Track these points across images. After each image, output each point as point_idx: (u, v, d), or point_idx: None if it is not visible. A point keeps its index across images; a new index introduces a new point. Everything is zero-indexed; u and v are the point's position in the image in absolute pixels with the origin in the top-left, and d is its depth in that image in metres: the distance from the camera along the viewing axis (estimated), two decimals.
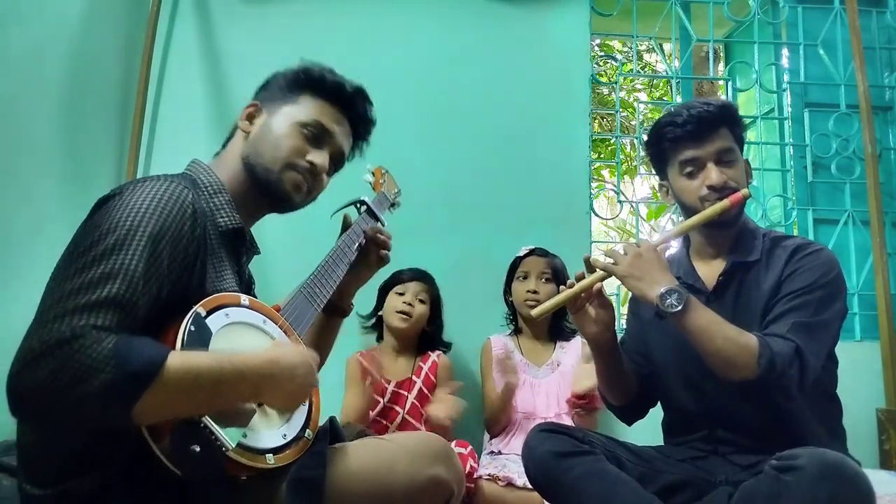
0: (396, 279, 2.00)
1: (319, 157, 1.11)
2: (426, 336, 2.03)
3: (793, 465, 1.02)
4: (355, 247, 1.28)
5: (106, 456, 0.82)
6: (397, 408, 1.90)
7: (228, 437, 0.81)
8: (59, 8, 1.92)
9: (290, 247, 1.97)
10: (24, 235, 1.71)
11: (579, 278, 1.35)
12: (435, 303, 2.02)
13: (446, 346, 2.06)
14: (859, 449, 1.31)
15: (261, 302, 0.99)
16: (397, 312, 1.95)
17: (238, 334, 0.91)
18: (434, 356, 2.01)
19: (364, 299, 1.92)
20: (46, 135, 1.86)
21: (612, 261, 1.30)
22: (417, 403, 1.91)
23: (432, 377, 1.96)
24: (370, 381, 1.81)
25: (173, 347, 0.79)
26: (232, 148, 1.13)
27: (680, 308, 1.20)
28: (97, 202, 0.90)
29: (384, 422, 1.89)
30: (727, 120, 1.37)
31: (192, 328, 0.83)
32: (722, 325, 1.21)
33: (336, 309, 1.28)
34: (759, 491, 1.07)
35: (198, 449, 0.77)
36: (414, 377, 1.95)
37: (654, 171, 1.53)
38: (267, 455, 0.87)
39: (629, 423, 1.55)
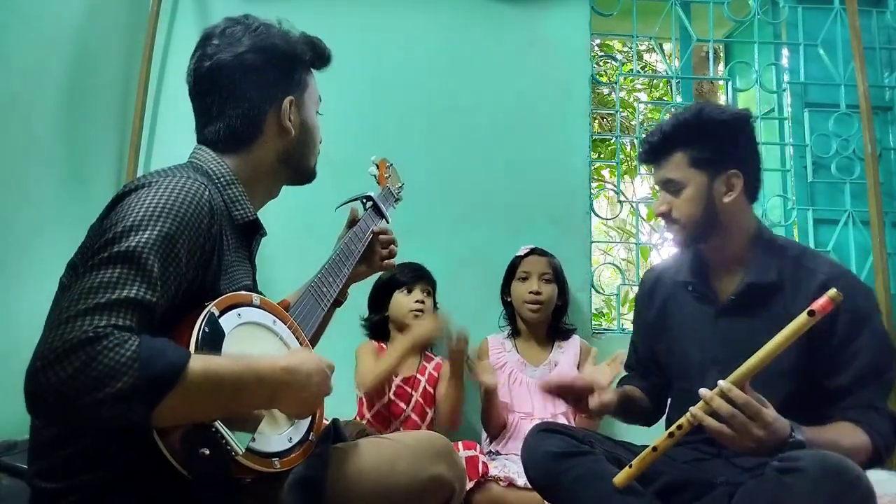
0: (397, 281, 2.00)
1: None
2: None
3: (794, 466, 1.01)
4: (361, 245, 1.29)
5: (116, 453, 0.82)
6: (402, 404, 1.90)
7: (238, 441, 0.82)
8: (59, 8, 1.91)
9: (293, 238, 1.99)
10: (24, 235, 1.71)
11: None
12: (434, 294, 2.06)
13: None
14: None
15: (271, 301, 1.00)
16: (412, 311, 1.95)
17: (249, 335, 0.92)
18: (437, 359, 2.02)
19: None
20: (47, 135, 1.86)
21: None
22: (422, 402, 1.92)
23: (436, 375, 1.98)
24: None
25: (188, 347, 0.79)
26: (262, 147, 1.07)
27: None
28: (114, 197, 0.89)
29: (388, 416, 1.89)
30: (681, 142, 1.32)
31: (206, 329, 0.83)
32: (835, 441, 1.13)
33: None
34: (761, 492, 1.07)
35: (207, 452, 0.78)
36: (419, 376, 1.96)
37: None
38: (273, 459, 0.88)
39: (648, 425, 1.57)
